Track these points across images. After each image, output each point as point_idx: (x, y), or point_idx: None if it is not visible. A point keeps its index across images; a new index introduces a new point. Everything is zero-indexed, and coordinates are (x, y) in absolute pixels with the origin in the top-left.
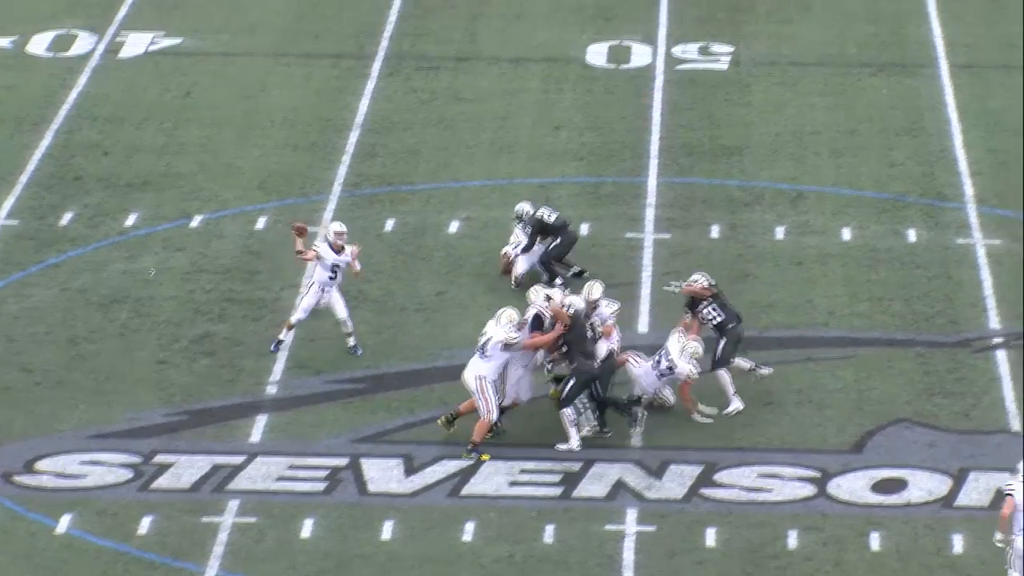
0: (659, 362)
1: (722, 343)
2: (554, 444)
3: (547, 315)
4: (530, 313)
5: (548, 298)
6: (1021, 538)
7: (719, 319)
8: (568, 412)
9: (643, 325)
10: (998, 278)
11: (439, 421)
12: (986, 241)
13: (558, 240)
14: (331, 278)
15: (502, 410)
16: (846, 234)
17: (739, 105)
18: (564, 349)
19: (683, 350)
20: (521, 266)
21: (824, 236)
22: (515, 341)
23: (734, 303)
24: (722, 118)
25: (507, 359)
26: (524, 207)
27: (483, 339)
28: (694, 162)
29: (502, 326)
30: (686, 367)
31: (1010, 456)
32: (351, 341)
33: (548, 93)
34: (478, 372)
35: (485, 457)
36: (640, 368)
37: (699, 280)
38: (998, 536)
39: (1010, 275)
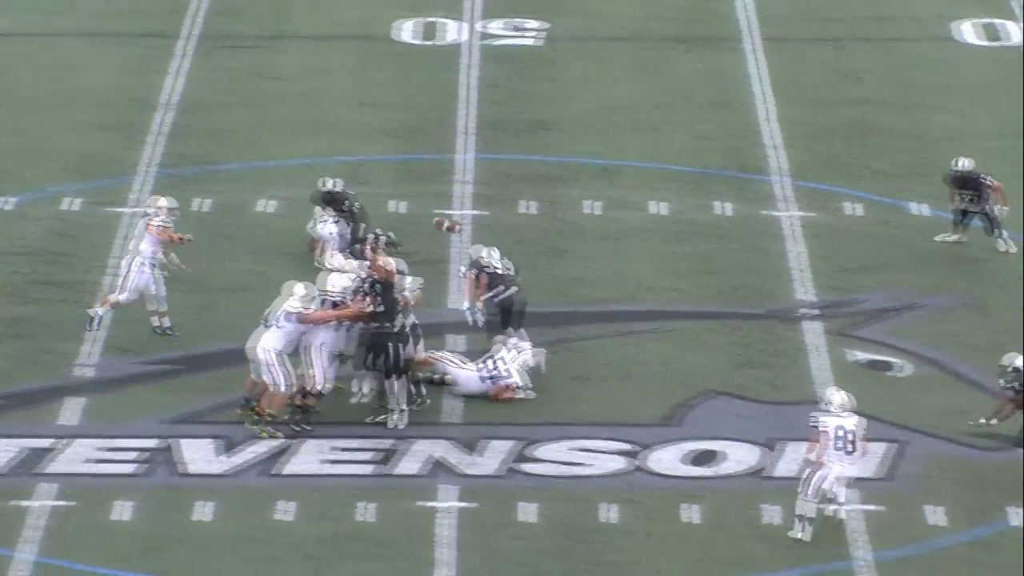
0: (486, 367)
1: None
2: (373, 419)
3: (346, 297)
4: (339, 285)
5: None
6: (829, 467)
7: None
8: (373, 383)
9: (452, 302)
10: (812, 250)
11: (238, 412)
12: (792, 212)
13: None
14: (152, 256)
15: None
16: (657, 208)
17: (550, 81)
18: (379, 310)
19: (516, 360)
20: (329, 251)
21: (635, 210)
22: (305, 312)
23: (547, 279)
24: (534, 94)
25: (299, 332)
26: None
27: (269, 311)
28: (505, 138)
29: (295, 298)
30: (518, 378)
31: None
32: (166, 321)
33: (358, 71)
34: (265, 345)
35: (277, 435)
36: (463, 372)
37: (484, 257)
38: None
39: (819, 246)
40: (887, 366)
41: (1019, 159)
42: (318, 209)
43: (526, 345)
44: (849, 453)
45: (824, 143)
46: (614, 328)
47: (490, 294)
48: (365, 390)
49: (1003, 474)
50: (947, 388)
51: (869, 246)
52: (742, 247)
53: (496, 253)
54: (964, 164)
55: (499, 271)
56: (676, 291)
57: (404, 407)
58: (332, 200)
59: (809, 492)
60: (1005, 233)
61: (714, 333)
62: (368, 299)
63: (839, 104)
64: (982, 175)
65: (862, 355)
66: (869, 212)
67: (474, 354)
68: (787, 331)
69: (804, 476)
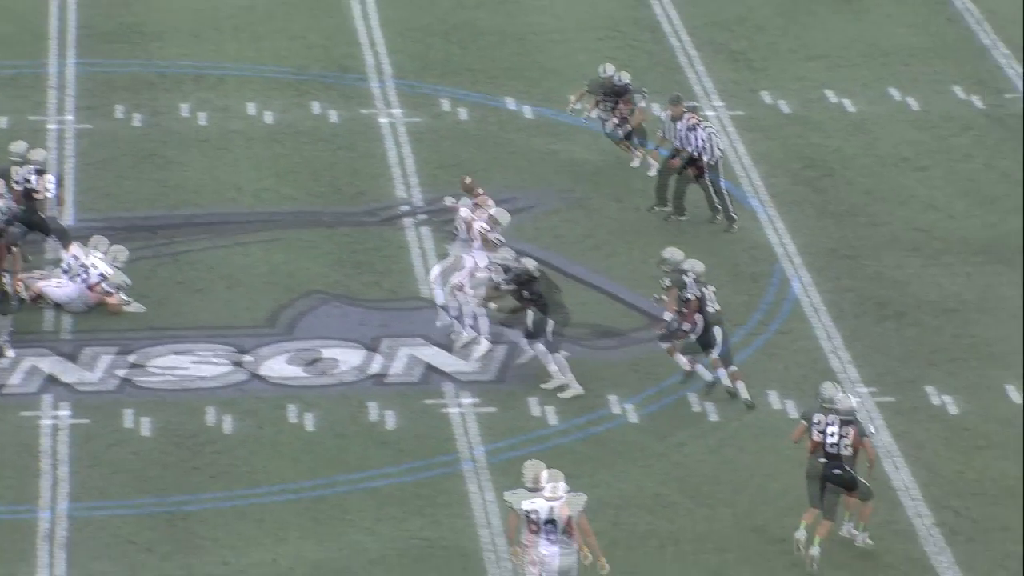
0: (88, 274)
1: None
2: None
3: None
4: None
5: None
6: None
7: None
8: None
9: (69, 218)
10: (415, 152)
11: None
12: (394, 114)
13: None
14: None
15: None
16: (257, 112)
17: None
18: None
19: (108, 255)
20: None
21: (236, 116)
22: None
23: (149, 187)
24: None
25: None
26: None
27: None
28: (103, 45)
29: None
30: (113, 273)
31: (421, 323)
32: None
33: None
34: None
35: None
36: (64, 291)
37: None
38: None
39: (422, 148)
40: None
41: None
42: None
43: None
44: None
45: (424, 44)
46: (218, 234)
47: None
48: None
49: (609, 369)
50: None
51: (471, 146)
52: (345, 150)
53: None
54: (609, 71)
55: None
56: (280, 196)
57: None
58: None
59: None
60: (651, 147)
61: (319, 236)
62: None
63: (437, 4)
64: (631, 87)
65: None
66: (470, 113)
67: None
68: (391, 233)
69: None
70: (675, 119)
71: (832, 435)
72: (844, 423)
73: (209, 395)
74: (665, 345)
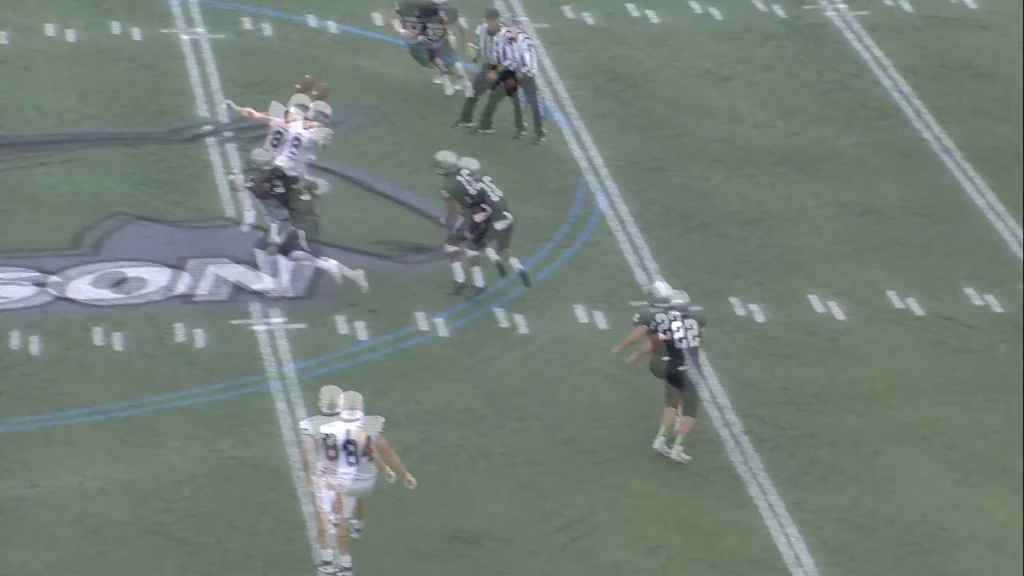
0: None
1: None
2: None
3: None
4: None
5: None
6: None
7: None
8: None
9: None
10: (218, 70)
11: None
12: (196, 32)
13: None
14: None
15: None
16: (57, 32)
17: None
18: None
19: None
20: None
21: (36, 36)
22: None
23: None
24: None
25: None
26: None
27: None
28: None
29: None
30: None
31: (227, 242)
32: None
33: None
34: None
35: None
36: None
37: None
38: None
39: (225, 66)
40: (311, 185)
41: None
42: None
43: None
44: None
45: None
46: (20, 155)
47: None
48: None
49: (418, 285)
50: (363, 202)
51: (275, 63)
52: (147, 69)
53: None
54: None
55: None
56: (82, 115)
57: None
58: None
59: None
60: (459, 67)
61: (122, 156)
62: None
63: None
64: (442, 5)
65: None
66: (274, 29)
67: None
68: (195, 151)
69: None
70: (492, 33)
71: (678, 330)
72: (684, 316)
73: (14, 317)
74: (451, 249)
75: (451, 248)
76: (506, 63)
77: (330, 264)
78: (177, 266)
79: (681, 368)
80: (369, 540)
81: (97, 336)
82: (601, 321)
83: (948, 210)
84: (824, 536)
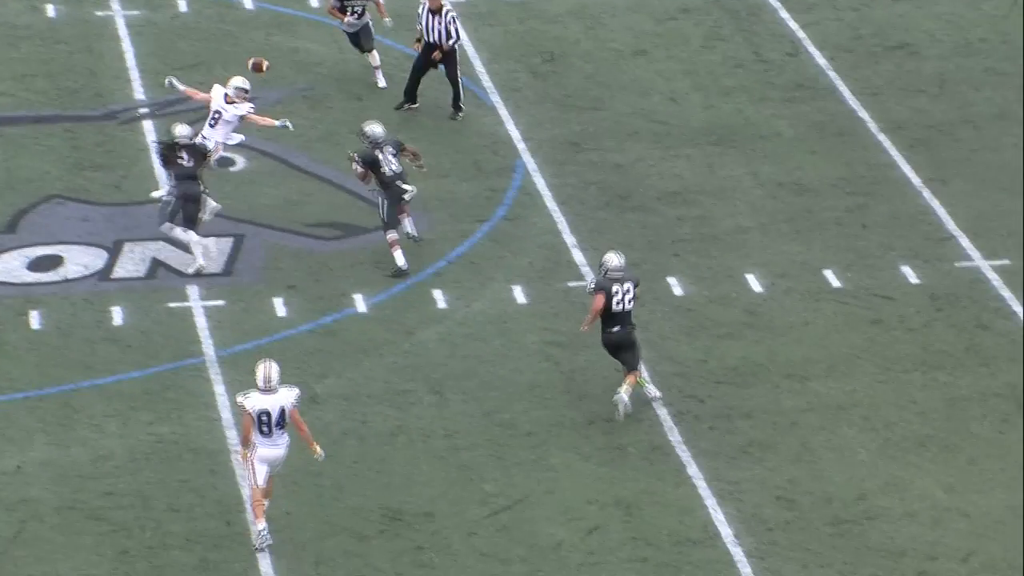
0: None
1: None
2: None
3: None
4: None
5: None
6: None
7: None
8: None
9: None
10: (140, 48)
11: None
12: (126, 12)
13: None
14: None
15: None
16: None
17: None
18: None
19: None
20: None
21: None
22: None
23: None
24: None
25: None
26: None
27: None
28: None
29: None
30: None
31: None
32: None
33: None
34: None
35: None
36: None
37: None
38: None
39: (150, 45)
40: (229, 162)
41: None
42: None
43: None
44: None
45: None
46: None
47: None
48: None
49: (338, 260)
50: (282, 179)
51: (195, 42)
52: (73, 48)
53: None
54: None
55: None
56: (8, 96)
57: None
58: None
59: None
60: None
61: (53, 137)
62: None
63: None
64: None
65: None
66: (194, 7)
67: None
68: (125, 132)
69: None
70: (434, 13)
71: (616, 293)
72: (622, 281)
73: None
74: (392, 237)
75: (392, 236)
76: (432, 38)
77: (191, 236)
78: (106, 247)
79: (623, 331)
80: (310, 524)
81: (34, 319)
82: (521, 295)
83: (881, 187)
84: (762, 515)
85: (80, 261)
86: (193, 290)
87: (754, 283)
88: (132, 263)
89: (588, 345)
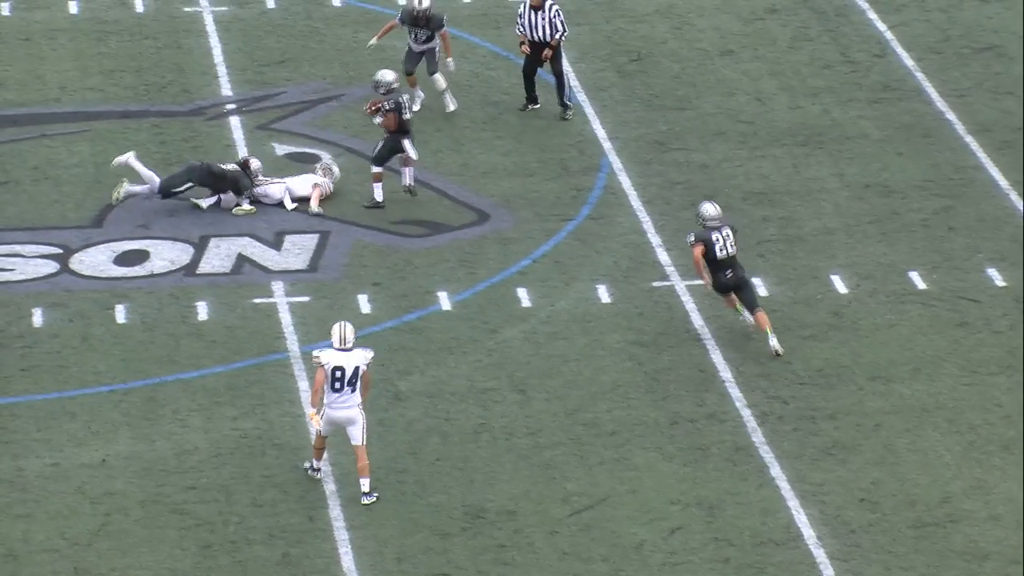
0: None
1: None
2: None
3: None
4: None
5: None
6: None
7: None
8: None
9: None
10: (226, 45)
11: None
12: (214, 8)
13: None
14: None
15: None
16: (74, 8)
17: None
18: None
19: None
20: None
21: (52, 9)
22: None
23: None
24: None
25: None
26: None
27: None
28: None
29: None
30: None
31: (248, 222)
32: None
33: None
34: None
35: None
36: None
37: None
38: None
39: (238, 41)
40: (315, 158)
41: None
42: None
43: None
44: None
45: None
46: (38, 131)
47: None
48: None
49: (423, 258)
50: (367, 176)
51: (282, 39)
52: (161, 44)
53: None
54: (423, 3)
55: None
56: (97, 91)
57: None
58: None
59: None
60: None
61: (140, 132)
62: None
63: None
64: (440, 17)
65: (287, 148)
66: (282, 3)
67: None
68: (212, 128)
69: None
70: (536, 9)
71: (717, 240)
72: (723, 227)
73: (36, 294)
74: (376, 170)
75: (376, 170)
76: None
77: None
78: (192, 242)
79: (730, 274)
80: (393, 520)
81: (120, 313)
82: (605, 295)
83: (968, 189)
84: (845, 517)
85: (166, 256)
86: (278, 286)
87: (839, 284)
88: (218, 258)
89: (671, 345)
